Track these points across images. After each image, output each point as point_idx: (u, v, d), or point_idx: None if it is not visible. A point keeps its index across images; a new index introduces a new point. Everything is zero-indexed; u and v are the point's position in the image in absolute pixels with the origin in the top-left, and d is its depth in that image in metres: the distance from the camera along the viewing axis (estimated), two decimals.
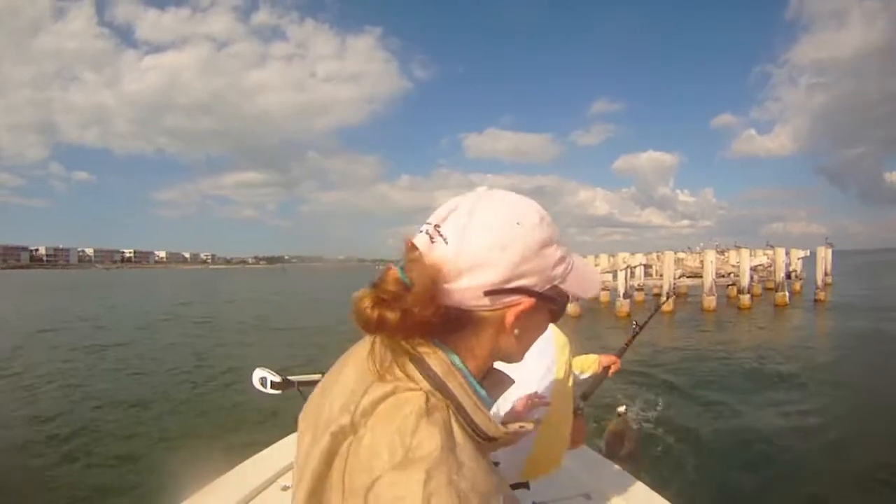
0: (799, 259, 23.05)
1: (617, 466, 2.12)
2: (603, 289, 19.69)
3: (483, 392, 0.62)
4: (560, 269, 0.62)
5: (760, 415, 6.46)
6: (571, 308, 17.00)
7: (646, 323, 2.44)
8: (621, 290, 17.28)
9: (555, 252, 0.61)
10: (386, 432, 0.54)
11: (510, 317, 0.60)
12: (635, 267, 20.97)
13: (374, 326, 0.56)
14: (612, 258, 21.43)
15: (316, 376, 2.22)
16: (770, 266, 20.77)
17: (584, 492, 1.95)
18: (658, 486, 1.94)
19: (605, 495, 1.92)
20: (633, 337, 2.36)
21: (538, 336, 0.66)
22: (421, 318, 0.55)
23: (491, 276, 0.57)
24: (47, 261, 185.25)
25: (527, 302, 0.59)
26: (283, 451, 2.14)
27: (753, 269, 20.93)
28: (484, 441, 0.59)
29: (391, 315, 0.55)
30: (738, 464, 5.01)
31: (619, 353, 2.17)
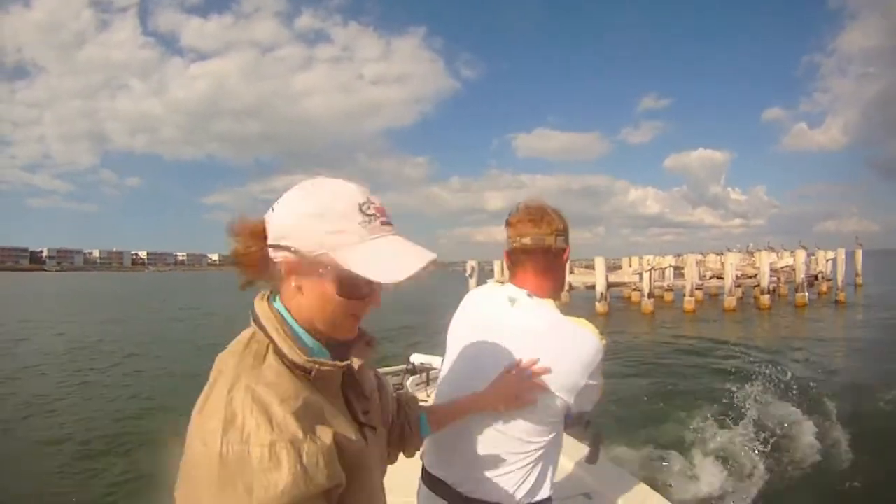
0: (828, 261, 23.56)
1: (617, 466, 2.07)
2: (634, 289, 20.93)
3: (307, 336, 0.76)
4: (333, 240, 0.71)
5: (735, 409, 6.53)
6: (599, 306, 18.41)
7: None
8: (646, 291, 18.52)
9: (331, 224, 0.72)
10: (216, 364, 0.73)
11: (283, 268, 0.74)
12: (665, 269, 22.31)
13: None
14: (640, 260, 22.52)
15: None
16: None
17: (584, 492, 1.95)
18: (658, 485, 1.99)
19: (605, 495, 1.91)
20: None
21: (326, 306, 0.75)
22: (247, 256, 0.76)
23: (272, 232, 0.74)
24: (101, 263, 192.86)
25: (292, 258, 0.73)
26: None
27: (780, 270, 21.83)
28: (304, 374, 0.73)
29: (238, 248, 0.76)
30: (733, 461, 5.03)
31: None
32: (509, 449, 1.16)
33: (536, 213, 1.25)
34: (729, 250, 26.40)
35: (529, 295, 1.23)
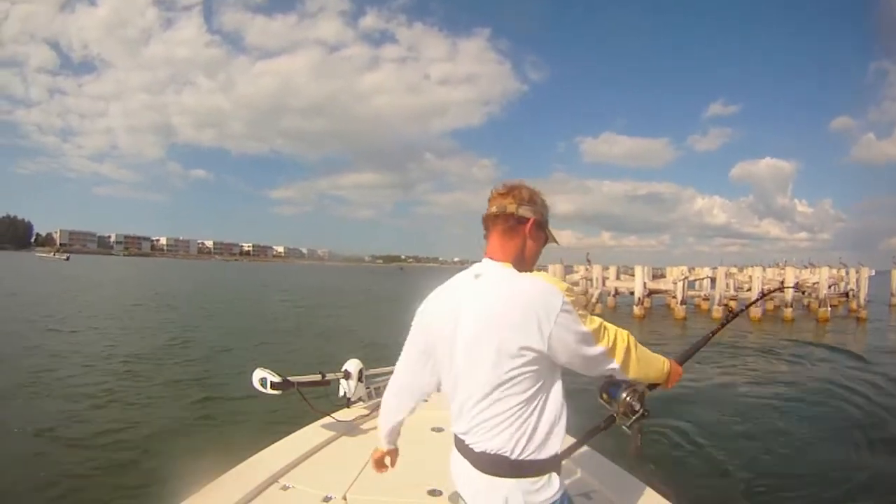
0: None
1: (617, 466, 2.08)
2: (672, 297, 23.22)
3: None
4: None
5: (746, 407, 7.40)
6: (636, 310, 21.04)
7: (719, 329, 1.89)
8: (679, 298, 21.00)
9: None
10: None
11: None
12: (703, 279, 24.67)
13: None
14: (678, 270, 24.79)
15: (315, 377, 2.52)
16: (832, 284, 23.31)
17: (584, 492, 1.95)
18: (658, 485, 2.01)
19: (605, 495, 1.91)
20: (706, 341, 1.80)
21: None
22: None
23: None
24: (168, 250, 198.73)
25: None
26: (283, 451, 2.11)
27: (810, 286, 23.68)
28: None
29: None
30: (739, 463, 5.21)
31: (682, 360, 1.55)
32: (503, 404, 1.18)
33: (507, 188, 1.34)
34: (778, 264, 28.33)
35: (495, 263, 1.27)
